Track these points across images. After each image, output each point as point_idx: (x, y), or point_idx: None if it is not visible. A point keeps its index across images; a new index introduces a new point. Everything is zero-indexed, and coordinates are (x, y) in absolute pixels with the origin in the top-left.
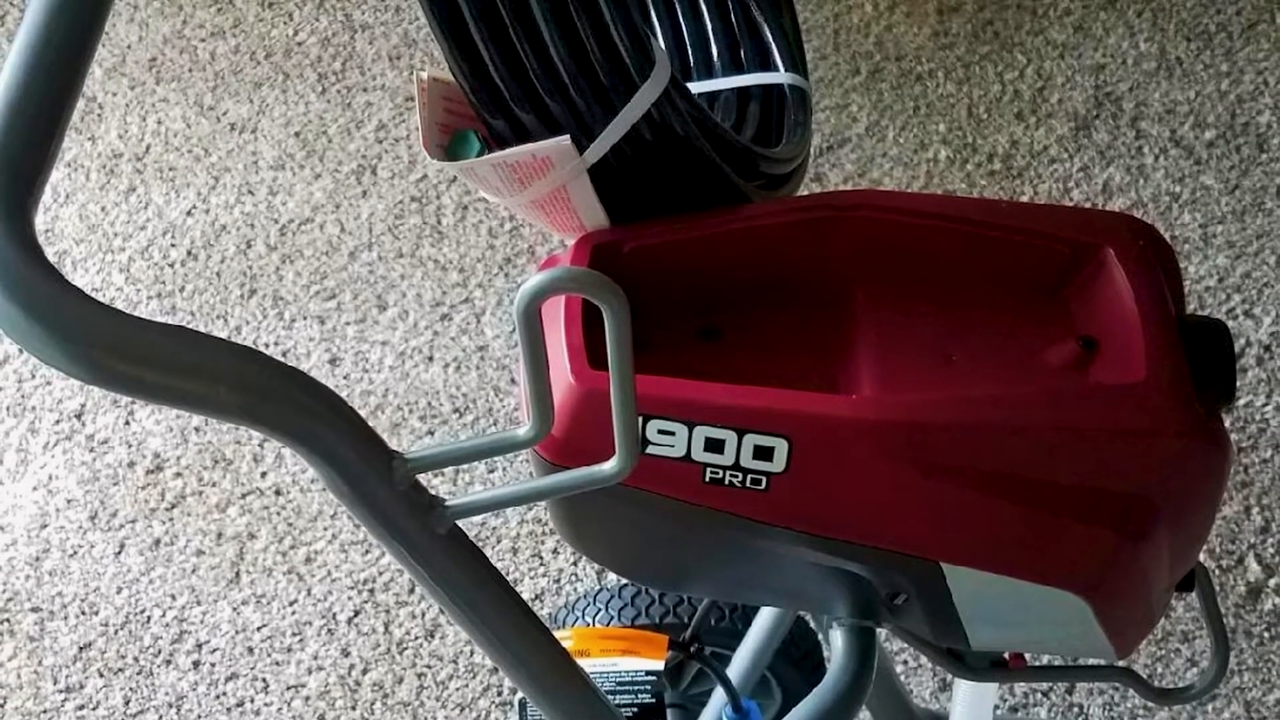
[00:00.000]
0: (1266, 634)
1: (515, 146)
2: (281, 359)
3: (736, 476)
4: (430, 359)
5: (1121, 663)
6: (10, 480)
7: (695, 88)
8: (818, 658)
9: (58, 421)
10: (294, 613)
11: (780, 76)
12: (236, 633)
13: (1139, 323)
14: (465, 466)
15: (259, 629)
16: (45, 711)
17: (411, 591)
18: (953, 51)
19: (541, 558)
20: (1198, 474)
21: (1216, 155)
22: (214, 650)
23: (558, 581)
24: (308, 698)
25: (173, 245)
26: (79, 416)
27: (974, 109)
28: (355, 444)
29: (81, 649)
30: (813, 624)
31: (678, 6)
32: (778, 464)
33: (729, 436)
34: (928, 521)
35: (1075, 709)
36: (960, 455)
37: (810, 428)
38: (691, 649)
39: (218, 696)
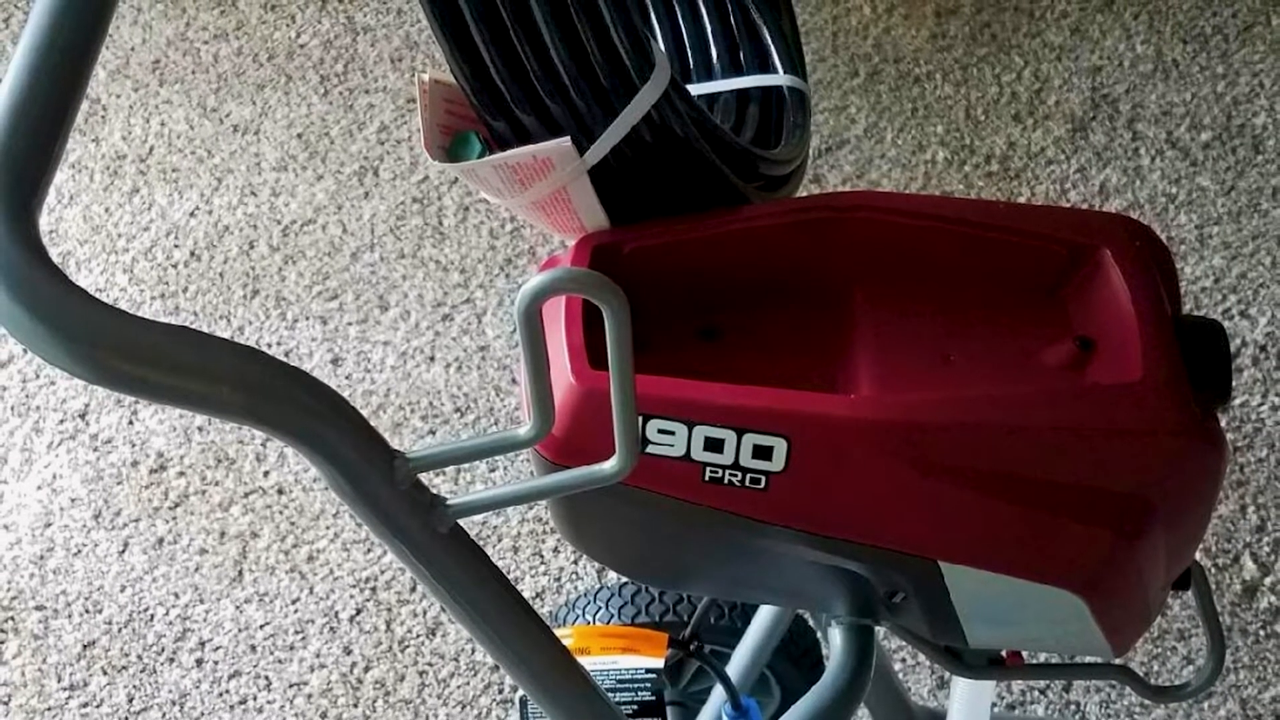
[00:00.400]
0: (1262, 632)
1: (516, 148)
2: (284, 359)
3: (736, 476)
4: (432, 359)
5: (1118, 660)
6: (15, 479)
7: (695, 90)
8: (816, 656)
9: (62, 421)
10: (296, 611)
11: (779, 78)
12: (239, 631)
13: (1135, 323)
14: (466, 466)
15: (261, 627)
16: (50, 709)
17: (413, 590)
18: (950, 54)
19: (542, 556)
20: (1194, 473)
21: (1212, 157)
22: (217, 648)
23: (558, 580)
24: (310, 695)
25: (176, 246)
26: (83, 416)
27: (971, 111)
28: (357, 443)
29: (85, 647)
30: (811, 622)
31: (677, 9)
32: (777, 463)
33: (728, 436)
34: (926, 521)
35: (1072, 707)
36: (958, 455)
37: (809, 427)
38: (691, 647)
39: (220, 694)
